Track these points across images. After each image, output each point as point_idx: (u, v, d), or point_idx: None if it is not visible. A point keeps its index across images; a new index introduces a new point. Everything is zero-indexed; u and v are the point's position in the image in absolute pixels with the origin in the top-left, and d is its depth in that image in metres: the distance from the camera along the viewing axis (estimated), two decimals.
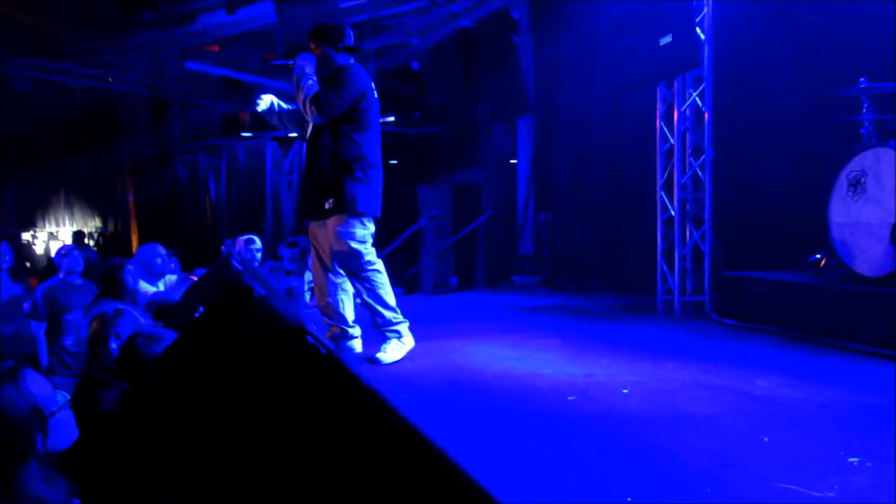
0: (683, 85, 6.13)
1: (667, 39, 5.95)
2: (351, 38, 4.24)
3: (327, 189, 4.07)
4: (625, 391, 3.33)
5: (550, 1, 8.34)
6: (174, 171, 12.50)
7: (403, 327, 4.21)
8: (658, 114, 6.30)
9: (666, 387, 3.39)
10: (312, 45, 4.18)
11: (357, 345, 4.47)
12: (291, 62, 4.18)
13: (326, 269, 4.35)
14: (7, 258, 6.48)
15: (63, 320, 5.10)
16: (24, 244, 13.33)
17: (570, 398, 3.24)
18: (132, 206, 13.06)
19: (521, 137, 9.17)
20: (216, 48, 12.49)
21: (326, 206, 4.06)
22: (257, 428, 1.17)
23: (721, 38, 5.86)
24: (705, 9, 5.84)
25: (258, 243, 6.10)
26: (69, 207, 14.05)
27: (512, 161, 9.30)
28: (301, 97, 4.05)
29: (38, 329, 5.30)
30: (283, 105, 4.49)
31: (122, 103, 11.82)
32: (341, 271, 4.32)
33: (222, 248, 10.59)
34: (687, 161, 6.12)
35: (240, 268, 3.59)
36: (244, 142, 13.60)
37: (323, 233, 4.27)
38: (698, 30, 5.77)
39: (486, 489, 0.94)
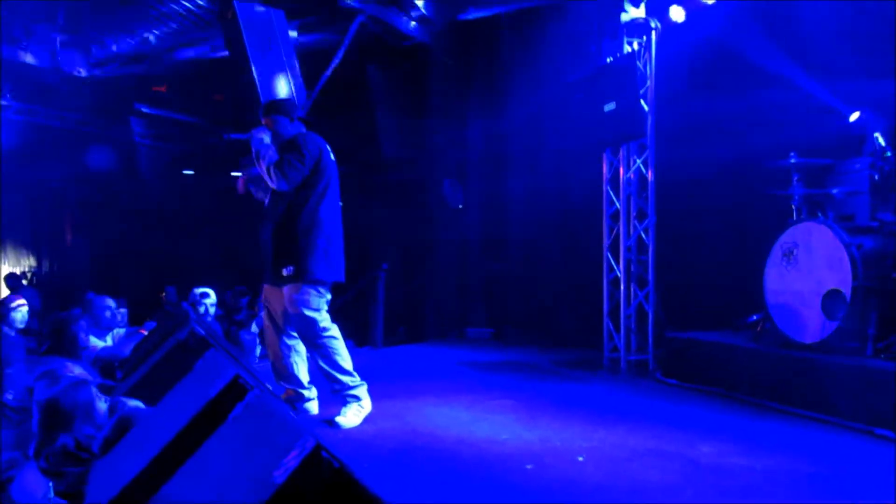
0: (628, 151, 6.45)
1: (611, 106, 6.28)
2: (300, 109, 4.40)
3: (285, 256, 4.13)
4: (580, 459, 3.45)
5: (501, 64, 8.66)
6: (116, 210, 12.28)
7: (362, 390, 4.25)
8: (604, 178, 6.60)
9: (619, 454, 3.52)
10: (266, 120, 4.28)
11: (313, 406, 4.48)
12: (247, 136, 4.24)
13: (279, 332, 4.39)
14: None
15: (4, 374, 4.95)
16: None
17: (527, 466, 3.34)
18: (70, 247, 12.71)
19: (471, 190, 9.39)
20: (163, 88, 12.43)
21: (284, 272, 4.12)
22: None
23: (663, 109, 6.22)
24: (648, 82, 6.21)
25: (213, 297, 6.05)
26: (1, 245, 13.54)
27: (460, 207, 9.48)
28: (264, 165, 4.11)
29: None
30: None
31: (62, 139, 11.58)
32: (294, 334, 4.36)
33: (165, 295, 10.39)
34: (632, 224, 6.40)
35: (203, 332, 3.60)
36: (187, 182, 13.45)
37: (276, 296, 4.32)
38: (642, 101, 6.12)
39: None
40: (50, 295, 11.26)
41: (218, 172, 12.77)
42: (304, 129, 4.38)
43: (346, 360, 4.23)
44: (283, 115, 4.31)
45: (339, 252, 4.30)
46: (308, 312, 4.12)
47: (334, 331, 4.23)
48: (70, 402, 2.93)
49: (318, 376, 4.46)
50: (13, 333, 5.29)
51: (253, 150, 4.16)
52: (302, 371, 4.42)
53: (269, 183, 4.16)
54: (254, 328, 7.23)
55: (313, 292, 4.14)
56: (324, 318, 4.18)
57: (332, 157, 4.38)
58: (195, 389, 2.28)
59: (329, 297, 4.25)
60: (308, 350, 4.30)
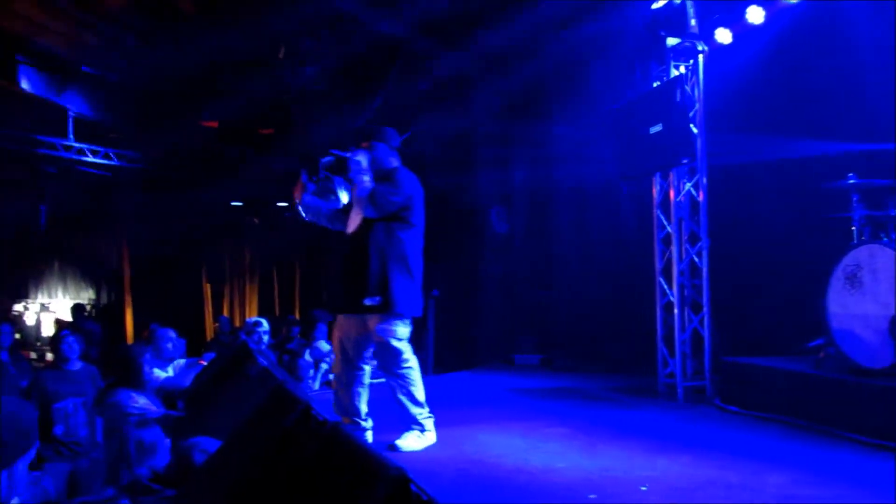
0: (678, 174, 6.38)
1: (657, 128, 6.23)
2: (399, 139, 4.44)
3: (372, 286, 4.13)
4: (643, 489, 3.40)
5: (546, 90, 8.70)
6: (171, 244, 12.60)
7: (429, 422, 4.31)
8: (655, 202, 6.55)
9: (683, 484, 3.45)
10: (366, 143, 4.33)
11: (368, 437, 4.51)
12: (349, 154, 4.29)
13: (348, 361, 4.41)
14: (7, 338, 6.53)
15: (53, 409, 5.05)
16: (15, 316, 13.23)
17: (591, 496, 3.30)
18: (127, 279, 13.07)
19: (518, 217, 9.40)
20: (216, 124, 12.81)
21: (369, 303, 4.12)
22: None
23: (713, 132, 6.15)
24: (697, 105, 6.16)
25: (265, 325, 6.17)
26: (62, 278, 14.02)
27: (507, 234, 9.47)
28: (359, 191, 4.19)
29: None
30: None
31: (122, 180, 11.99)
32: (364, 365, 4.40)
33: (218, 325, 10.62)
34: (684, 248, 6.32)
35: (265, 363, 3.67)
36: (236, 214, 13.75)
37: (354, 325, 4.32)
38: (692, 125, 6.07)
39: None
40: (107, 328, 11.59)
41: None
42: (400, 162, 4.42)
43: (420, 391, 4.29)
44: (383, 142, 4.35)
45: (420, 287, 4.34)
46: (394, 343, 4.17)
47: (414, 362, 4.28)
48: (136, 436, 3.02)
49: (375, 405, 4.51)
50: (71, 367, 5.38)
51: (351, 173, 4.21)
52: (363, 402, 4.46)
53: (359, 207, 4.20)
54: (308, 357, 7.32)
55: (399, 322, 4.19)
56: (407, 349, 4.24)
57: (423, 194, 4.39)
58: (265, 422, 2.31)
59: (411, 327, 4.30)
60: (387, 379, 4.32)
